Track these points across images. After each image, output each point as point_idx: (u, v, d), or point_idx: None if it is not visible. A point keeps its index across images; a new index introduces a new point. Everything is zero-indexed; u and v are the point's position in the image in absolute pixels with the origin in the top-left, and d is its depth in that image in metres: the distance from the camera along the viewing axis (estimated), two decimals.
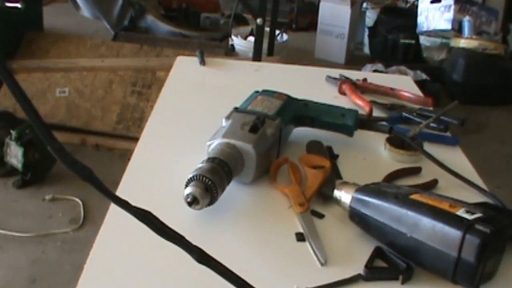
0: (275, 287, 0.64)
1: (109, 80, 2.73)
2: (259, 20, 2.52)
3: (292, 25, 4.56)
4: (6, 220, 2.08)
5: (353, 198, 0.73)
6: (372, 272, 0.67)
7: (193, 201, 0.70)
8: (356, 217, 0.73)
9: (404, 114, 1.10)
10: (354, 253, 0.71)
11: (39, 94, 2.68)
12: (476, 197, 0.84)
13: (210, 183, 0.71)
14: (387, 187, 0.75)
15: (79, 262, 0.64)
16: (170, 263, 0.67)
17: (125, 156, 0.84)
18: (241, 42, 3.34)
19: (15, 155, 2.23)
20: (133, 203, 0.77)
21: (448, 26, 3.70)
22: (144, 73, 2.75)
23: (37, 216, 2.13)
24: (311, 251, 0.70)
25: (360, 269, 0.67)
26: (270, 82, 1.06)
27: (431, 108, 1.15)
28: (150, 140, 0.96)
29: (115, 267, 0.66)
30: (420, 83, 2.31)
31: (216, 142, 0.81)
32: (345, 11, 4.00)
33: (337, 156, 0.93)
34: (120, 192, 0.77)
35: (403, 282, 0.66)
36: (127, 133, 2.60)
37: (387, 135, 0.97)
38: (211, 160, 0.76)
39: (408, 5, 4.24)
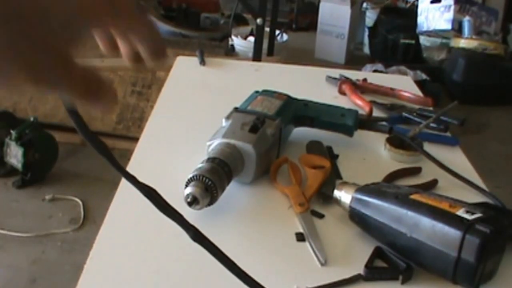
0: (275, 287, 0.64)
1: (109, 80, 2.73)
2: (259, 20, 2.52)
3: (292, 25, 4.56)
4: (6, 220, 2.08)
5: (353, 198, 0.73)
6: (372, 272, 0.67)
7: (193, 201, 0.70)
8: (356, 217, 0.73)
9: (404, 114, 1.10)
10: (354, 253, 0.71)
11: (39, 94, 2.68)
12: (476, 197, 0.84)
13: (210, 183, 0.71)
14: (387, 187, 0.75)
15: (79, 262, 0.64)
16: (170, 263, 0.67)
17: (125, 156, 0.83)
18: (241, 42, 3.34)
19: (15, 155, 2.23)
20: (134, 203, 0.77)
21: (448, 26, 3.70)
22: (144, 73, 2.75)
23: (37, 216, 2.13)
24: (311, 251, 0.70)
25: (360, 269, 0.67)
26: (270, 82, 1.06)
27: (431, 108, 1.15)
28: (150, 140, 0.96)
29: (115, 267, 0.66)
30: (420, 83, 2.31)
31: (216, 142, 0.81)
32: (345, 11, 4.00)
33: (337, 156, 0.93)
34: (121, 192, 0.77)
35: (403, 282, 0.66)
36: (127, 133, 2.60)
37: (387, 135, 0.97)
38: (211, 160, 0.76)
39: (408, 5, 4.25)
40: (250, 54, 2.80)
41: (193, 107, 1.11)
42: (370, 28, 4.12)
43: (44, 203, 2.20)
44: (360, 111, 1.02)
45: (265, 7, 2.61)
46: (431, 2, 3.80)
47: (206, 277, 0.65)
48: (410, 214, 0.66)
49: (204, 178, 0.71)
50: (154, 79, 2.72)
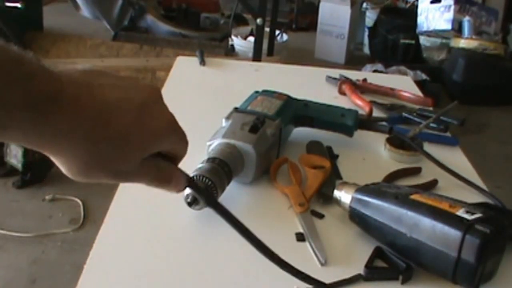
0: (275, 287, 0.64)
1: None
2: (259, 20, 2.52)
3: (292, 25, 4.56)
4: (6, 220, 2.08)
5: (353, 198, 0.73)
6: (372, 272, 0.67)
7: (193, 201, 0.70)
8: (356, 217, 0.73)
9: (404, 114, 1.10)
10: (354, 253, 0.71)
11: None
12: (476, 197, 0.84)
13: (210, 183, 0.71)
14: (387, 187, 0.75)
15: (79, 262, 0.64)
16: (170, 263, 0.67)
17: None
18: (241, 42, 3.34)
19: (15, 155, 2.23)
20: (134, 203, 0.77)
21: (448, 26, 3.70)
22: (144, 73, 2.74)
23: (37, 216, 2.13)
24: (311, 251, 0.70)
25: (360, 269, 0.67)
26: (270, 82, 1.06)
27: (431, 108, 1.15)
28: None
29: (115, 267, 0.66)
30: (420, 83, 2.31)
31: (216, 142, 0.81)
32: (345, 11, 4.00)
33: (337, 156, 0.93)
34: (121, 192, 0.77)
35: (403, 282, 0.66)
36: None
37: (387, 135, 0.97)
38: (211, 160, 0.76)
39: (408, 5, 4.24)
40: (250, 54, 2.80)
41: (193, 107, 1.11)
42: (370, 28, 4.12)
43: (44, 203, 2.20)
44: (360, 111, 1.02)
45: (265, 7, 2.61)
46: (431, 2, 3.80)
47: (206, 277, 0.65)
48: (410, 214, 0.66)
49: (204, 178, 0.71)
50: (154, 79, 2.72)
